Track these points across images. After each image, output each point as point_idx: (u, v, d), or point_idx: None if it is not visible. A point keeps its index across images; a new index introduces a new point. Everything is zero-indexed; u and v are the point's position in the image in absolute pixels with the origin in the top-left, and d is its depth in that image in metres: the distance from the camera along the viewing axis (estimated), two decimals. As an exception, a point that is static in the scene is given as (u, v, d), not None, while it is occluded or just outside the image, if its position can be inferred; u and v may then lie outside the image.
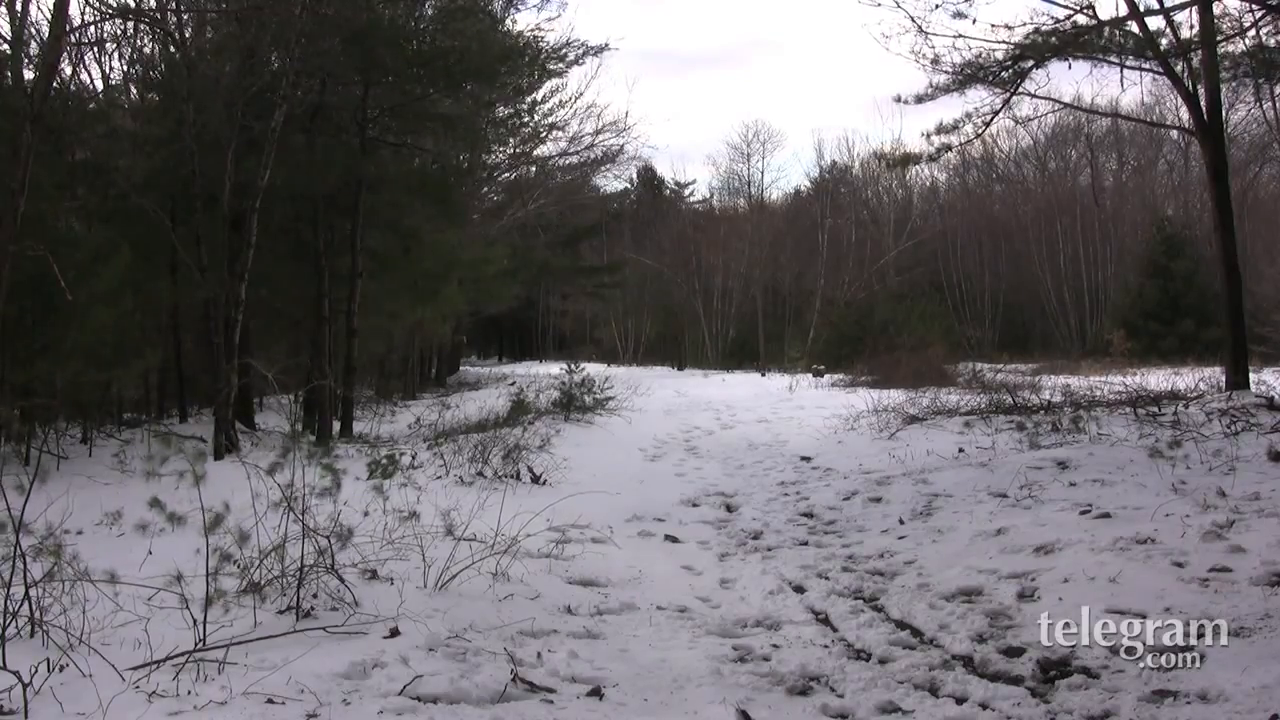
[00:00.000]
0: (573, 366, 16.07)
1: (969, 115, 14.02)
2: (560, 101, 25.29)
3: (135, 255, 9.75)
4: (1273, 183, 32.10)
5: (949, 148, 14.75)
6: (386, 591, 4.35)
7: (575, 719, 3.18)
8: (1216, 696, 3.14)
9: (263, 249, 11.43)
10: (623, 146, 28.59)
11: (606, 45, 17.77)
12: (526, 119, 24.30)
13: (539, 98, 23.82)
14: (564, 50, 16.84)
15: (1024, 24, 12.92)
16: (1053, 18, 12.83)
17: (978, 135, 14.70)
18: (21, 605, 3.40)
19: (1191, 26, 12.46)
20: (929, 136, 14.36)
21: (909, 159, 16.05)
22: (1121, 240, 36.51)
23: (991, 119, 14.11)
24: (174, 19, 11.10)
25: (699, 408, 16.70)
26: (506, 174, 28.73)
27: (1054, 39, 12.79)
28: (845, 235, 38.68)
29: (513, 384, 19.85)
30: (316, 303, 12.94)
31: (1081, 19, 12.68)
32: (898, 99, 14.26)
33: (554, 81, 23.17)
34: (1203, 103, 12.59)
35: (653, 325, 40.32)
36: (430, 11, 14.08)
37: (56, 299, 7.55)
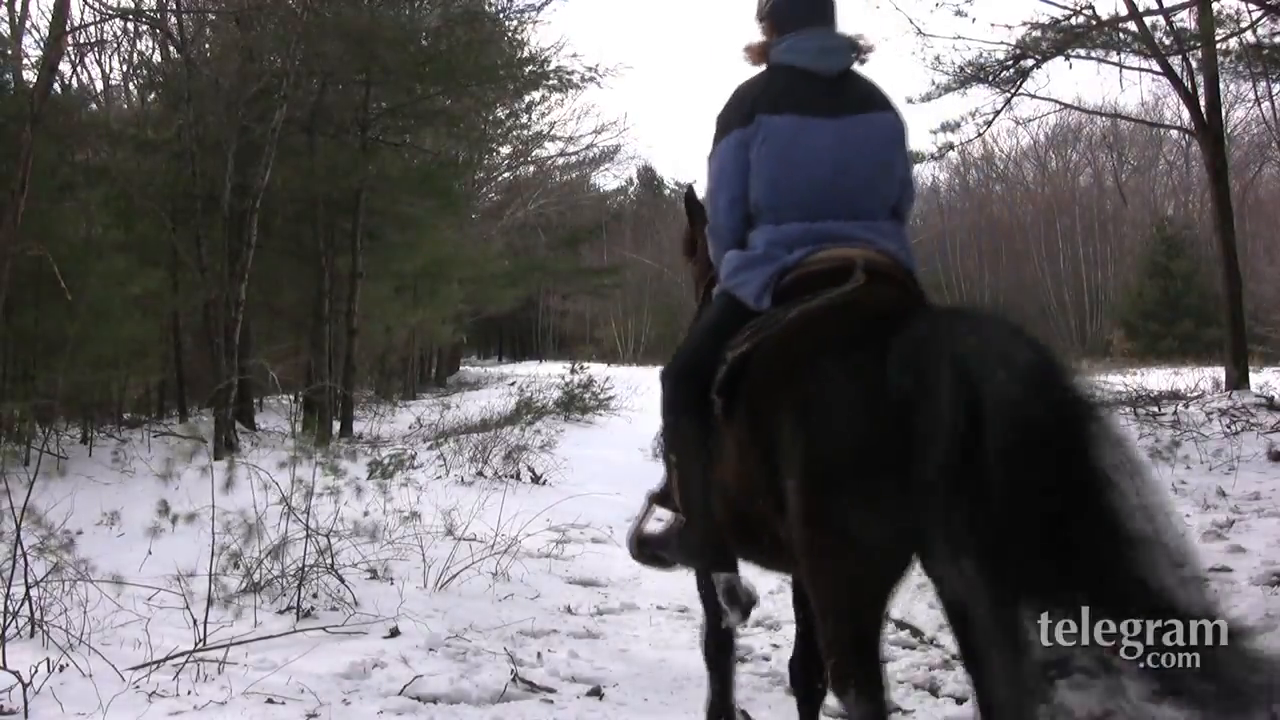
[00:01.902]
0: (577, 366, 16.08)
1: (971, 115, 14.06)
2: (559, 100, 25.33)
3: (136, 256, 9.75)
4: (1273, 183, 32.10)
5: (951, 146, 14.79)
6: (386, 591, 4.35)
7: (575, 719, 3.18)
8: (1217, 696, 3.14)
9: (263, 249, 11.45)
10: (619, 146, 28.66)
11: (615, 68, 17.66)
12: (525, 119, 24.33)
13: (537, 98, 23.84)
14: (569, 71, 16.86)
15: (1023, 24, 12.97)
16: (1052, 18, 12.86)
17: (979, 134, 14.74)
18: (22, 605, 3.40)
19: (1191, 27, 12.47)
20: (934, 134, 14.43)
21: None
22: (1121, 240, 36.52)
23: (993, 118, 14.14)
24: (174, 19, 11.11)
25: (699, 408, 16.62)
26: (505, 174, 28.77)
27: (1053, 38, 12.81)
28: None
29: (513, 384, 19.83)
30: (316, 303, 12.95)
31: (1081, 19, 12.71)
32: (907, 100, 14.30)
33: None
34: (1202, 103, 12.58)
35: (653, 325, 40.33)
36: (429, 11, 14.10)
37: (59, 299, 7.56)
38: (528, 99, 22.95)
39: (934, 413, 1.66)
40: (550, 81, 16.74)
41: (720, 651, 2.87)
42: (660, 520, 2.57)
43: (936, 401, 1.66)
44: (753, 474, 2.08)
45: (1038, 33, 12.85)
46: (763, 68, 2.53)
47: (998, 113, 14.03)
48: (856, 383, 1.85)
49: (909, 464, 1.71)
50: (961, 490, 1.60)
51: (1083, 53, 13.35)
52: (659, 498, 2.62)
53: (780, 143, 2.38)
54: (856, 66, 2.52)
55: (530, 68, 16.24)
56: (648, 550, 2.68)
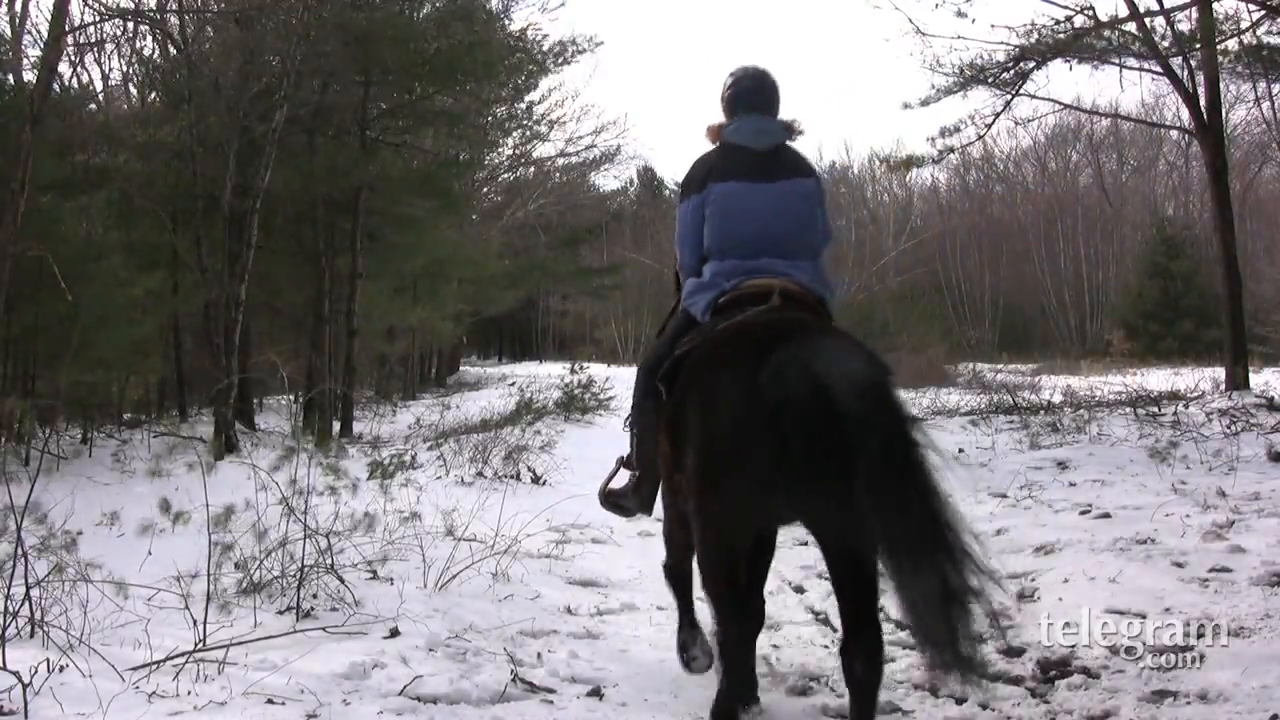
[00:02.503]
0: (577, 367, 16.09)
1: (970, 117, 14.05)
2: (558, 100, 25.35)
3: (136, 257, 9.74)
4: (1273, 183, 32.10)
5: (951, 150, 14.77)
6: (386, 592, 4.35)
7: (575, 719, 3.18)
8: (1216, 696, 3.14)
9: (263, 249, 11.45)
10: (619, 147, 28.66)
11: (594, 38, 17.83)
12: (525, 119, 24.34)
13: (536, 98, 23.86)
14: (557, 50, 16.96)
15: (1024, 25, 12.96)
16: (1052, 19, 12.86)
17: (979, 137, 14.72)
18: (22, 605, 3.40)
19: (1191, 27, 12.46)
20: (932, 140, 14.39)
21: (911, 161, 16.05)
22: (1121, 240, 36.51)
23: (993, 120, 14.13)
24: (174, 19, 11.10)
25: (699, 408, 16.60)
26: (505, 174, 28.76)
27: (1053, 40, 12.81)
28: (845, 235, 38.66)
29: (513, 384, 19.83)
30: (316, 303, 12.95)
31: (1081, 20, 12.71)
32: (905, 106, 14.26)
33: (551, 80, 23.21)
34: (1203, 103, 12.59)
35: (653, 325, 40.28)
36: (427, 9, 14.11)
37: (59, 300, 7.56)
38: (528, 99, 22.98)
39: (797, 404, 2.42)
40: (547, 63, 16.76)
41: (678, 581, 3.66)
42: (624, 478, 3.46)
43: (798, 397, 2.42)
44: (670, 444, 2.96)
45: (1037, 35, 12.85)
46: (717, 144, 3.43)
47: (997, 115, 14.02)
48: (736, 388, 2.63)
49: (772, 444, 2.50)
50: (830, 452, 2.38)
51: (1083, 55, 13.34)
52: (626, 461, 3.48)
53: (725, 203, 3.28)
54: (789, 142, 3.40)
55: (531, 66, 16.27)
56: (612, 499, 3.54)
